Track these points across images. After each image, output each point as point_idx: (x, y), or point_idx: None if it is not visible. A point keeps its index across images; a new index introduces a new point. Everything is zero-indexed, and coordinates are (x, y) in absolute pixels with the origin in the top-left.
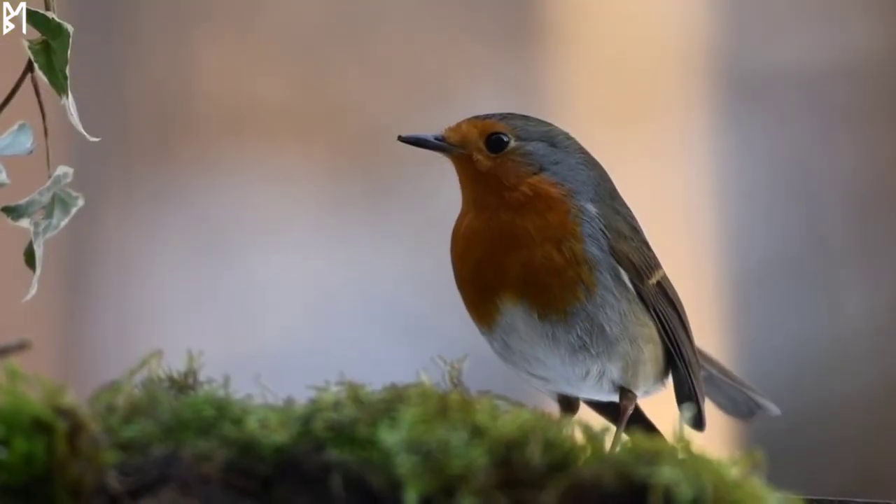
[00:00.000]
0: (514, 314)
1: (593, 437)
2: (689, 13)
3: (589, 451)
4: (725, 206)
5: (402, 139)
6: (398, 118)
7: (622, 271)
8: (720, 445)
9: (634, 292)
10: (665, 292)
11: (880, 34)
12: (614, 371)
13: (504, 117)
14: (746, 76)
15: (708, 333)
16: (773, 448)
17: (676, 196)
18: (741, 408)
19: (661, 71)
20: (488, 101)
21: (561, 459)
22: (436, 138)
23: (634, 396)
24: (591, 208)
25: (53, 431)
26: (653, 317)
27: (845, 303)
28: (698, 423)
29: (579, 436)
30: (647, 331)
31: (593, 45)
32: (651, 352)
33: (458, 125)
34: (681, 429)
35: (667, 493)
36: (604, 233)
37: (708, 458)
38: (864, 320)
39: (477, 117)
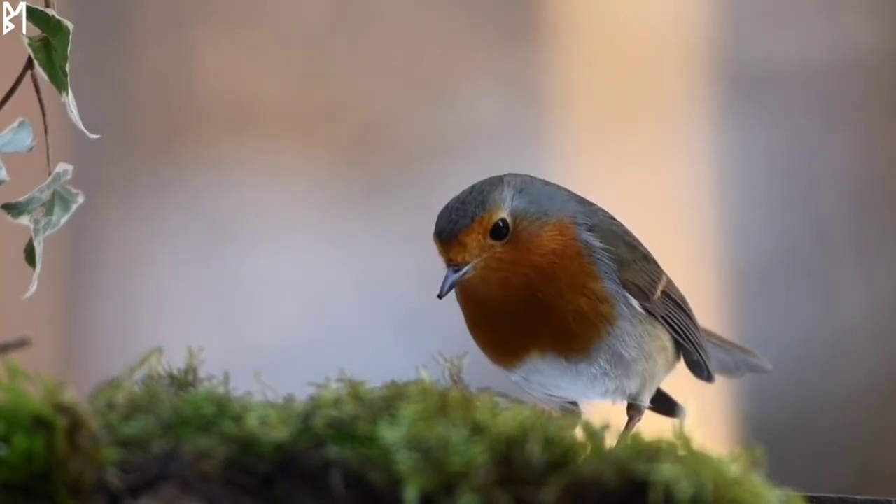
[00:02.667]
0: (539, 362)
1: (593, 434)
2: (688, 10)
3: (589, 449)
4: (725, 202)
5: (443, 296)
6: (398, 114)
7: (631, 298)
8: (720, 442)
9: (645, 312)
10: (670, 297)
11: (879, 31)
12: (632, 386)
13: (479, 204)
14: (746, 73)
15: (709, 329)
16: (773, 445)
17: (676, 193)
18: (731, 368)
19: (661, 68)
20: (488, 98)
21: (561, 456)
22: (454, 271)
23: (642, 410)
24: (597, 242)
25: (54, 428)
26: (664, 325)
27: (845, 298)
28: (708, 377)
29: (579, 433)
30: (660, 343)
31: (593, 43)
32: (664, 359)
33: (458, 242)
34: (681, 426)
35: (667, 491)
36: (614, 264)
37: (708, 455)
38: (864, 315)
39: (464, 223)
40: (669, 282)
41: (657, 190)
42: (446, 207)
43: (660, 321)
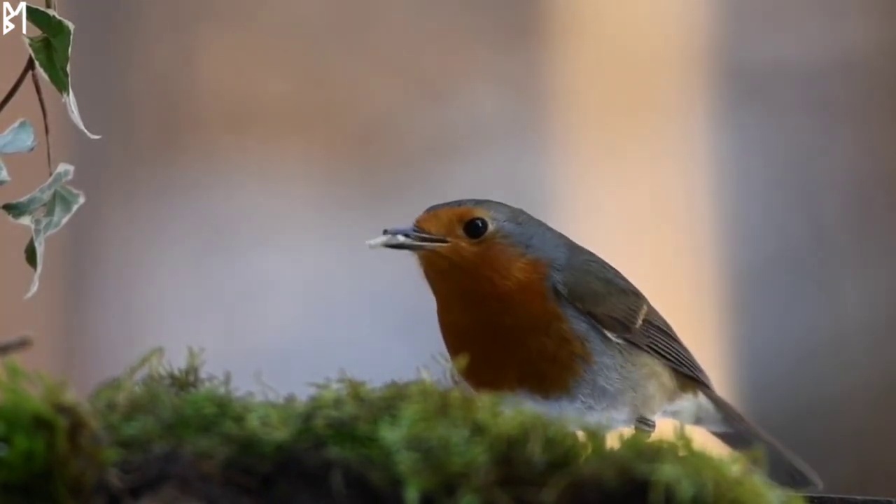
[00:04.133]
0: (518, 396)
1: (594, 434)
2: (688, 10)
3: (589, 449)
4: (725, 202)
5: (387, 244)
6: (399, 115)
7: (608, 332)
8: (721, 443)
9: (626, 343)
10: (653, 324)
11: (879, 30)
12: (621, 415)
13: (477, 202)
14: (746, 73)
15: (708, 330)
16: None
17: (676, 192)
18: (780, 474)
19: (661, 68)
20: (488, 98)
21: (561, 457)
22: (415, 230)
23: (652, 425)
24: (563, 286)
25: (54, 429)
26: (649, 353)
27: (845, 299)
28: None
29: (580, 433)
30: (647, 370)
31: (593, 42)
32: (655, 385)
33: (434, 214)
34: (681, 426)
35: (667, 491)
36: (583, 303)
37: (709, 455)
38: (864, 316)
39: (447, 205)
40: (651, 310)
41: (657, 190)
42: None
43: (644, 349)
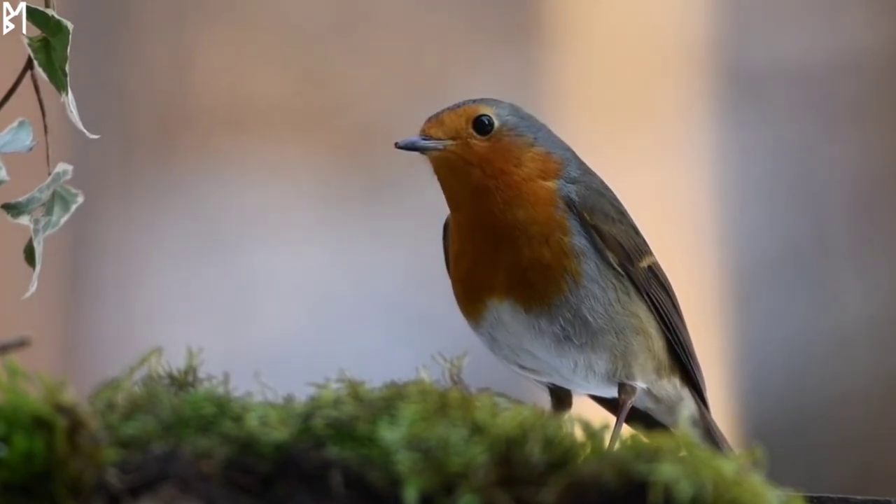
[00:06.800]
0: (500, 310)
1: (593, 434)
2: (690, 9)
3: (588, 449)
4: (727, 202)
5: (399, 146)
6: (397, 113)
7: (610, 254)
8: None
9: (625, 275)
10: (656, 276)
11: (881, 30)
12: (600, 363)
13: (476, 101)
14: (748, 73)
15: (709, 329)
16: (773, 445)
17: (678, 192)
18: None
19: (663, 67)
20: (488, 97)
21: (561, 457)
22: (423, 138)
23: (633, 391)
24: (576, 195)
25: (53, 429)
26: (645, 301)
27: (846, 298)
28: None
29: (579, 433)
30: (636, 322)
31: (594, 42)
32: (642, 344)
33: (438, 119)
34: (681, 426)
35: (666, 491)
36: (589, 217)
37: (708, 455)
38: (865, 316)
39: (452, 107)
40: (659, 267)
41: (657, 189)
42: None
43: (643, 297)
